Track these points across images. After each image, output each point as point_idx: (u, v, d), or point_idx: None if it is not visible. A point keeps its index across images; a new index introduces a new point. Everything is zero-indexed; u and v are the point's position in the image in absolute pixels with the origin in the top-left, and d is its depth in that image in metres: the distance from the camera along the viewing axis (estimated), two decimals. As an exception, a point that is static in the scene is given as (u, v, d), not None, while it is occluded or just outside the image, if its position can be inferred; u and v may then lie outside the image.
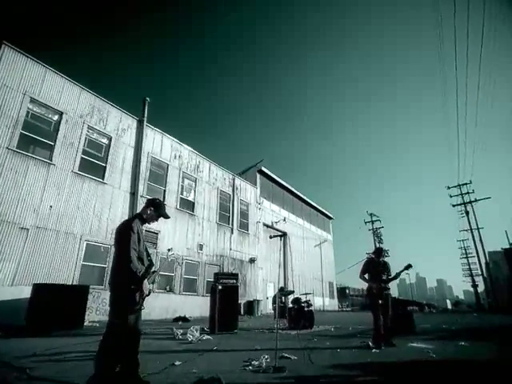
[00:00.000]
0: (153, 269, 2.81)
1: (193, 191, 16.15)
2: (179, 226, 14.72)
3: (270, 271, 21.27)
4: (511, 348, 5.27)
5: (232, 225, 18.26)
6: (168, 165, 14.84)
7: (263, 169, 22.53)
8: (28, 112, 9.80)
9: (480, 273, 32.80)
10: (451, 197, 32.38)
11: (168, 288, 13.43)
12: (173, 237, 14.20)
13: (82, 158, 11.19)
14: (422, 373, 3.43)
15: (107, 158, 12.12)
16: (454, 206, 32.62)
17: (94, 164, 11.73)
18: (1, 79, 9.20)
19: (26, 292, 7.95)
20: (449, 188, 32.44)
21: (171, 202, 14.56)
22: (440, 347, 5.00)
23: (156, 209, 2.91)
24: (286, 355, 4.18)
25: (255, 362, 3.72)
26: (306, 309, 8.66)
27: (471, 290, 43.61)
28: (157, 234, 13.47)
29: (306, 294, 9.51)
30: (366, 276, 5.42)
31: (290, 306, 9.10)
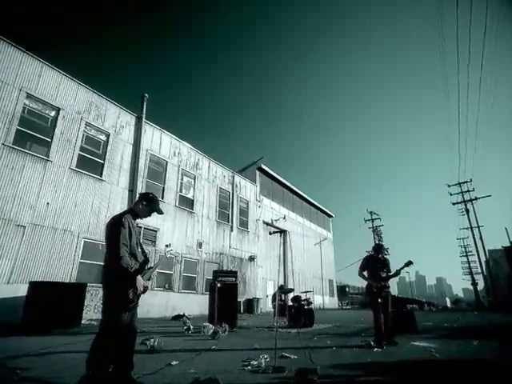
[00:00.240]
0: (148, 265, 2.70)
1: (192, 189, 16.04)
2: (178, 223, 14.61)
3: (269, 269, 21.19)
4: (515, 347, 5.18)
5: (231, 222, 18.15)
6: (167, 162, 14.72)
7: (263, 166, 22.40)
8: (24, 108, 9.66)
9: (480, 271, 32.74)
10: (451, 195, 32.30)
11: (167, 286, 13.34)
12: (172, 234, 14.09)
13: (79, 154, 11.06)
14: (425, 373, 3.32)
15: (105, 155, 11.99)
16: (454, 204, 32.54)
17: (91, 161, 11.60)
18: (-4, 74, 9.08)
19: (22, 290, 7.84)
20: (449, 186, 32.36)
21: (170, 200, 14.44)
22: (443, 346, 4.90)
23: (149, 203, 2.80)
24: (286, 354, 4.08)
25: (254, 362, 3.61)
26: (305, 307, 8.58)
27: (471, 288, 43.64)
28: (156, 231, 13.37)
29: (306, 292, 9.43)
30: (365, 273, 5.31)
31: (290, 304, 9.01)
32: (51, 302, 7.32)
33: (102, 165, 11.81)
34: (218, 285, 7.54)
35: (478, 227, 29.57)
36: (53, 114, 10.47)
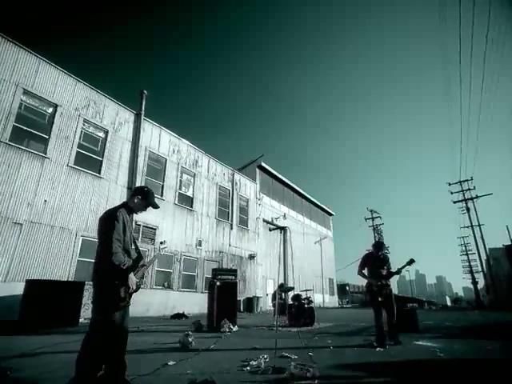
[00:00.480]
0: (142, 262, 2.59)
1: (191, 186, 15.92)
2: (178, 221, 14.50)
3: (269, 267, 21.09)
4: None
5: (231, 221, 18.05)
6: (166, 159, 14.60)
7: (263, 164, 22.28)
8: (21, 104, 9.54)
9: (480, 269, 32.68)
10: (452, 193, 32.20)
11: (166, 284, 13.24)
12: (171, 232, 13.99)
13: (77, 151, 10.94)
14: (432, 374, 3.22)
15: (104, 152, 11.87)
16: (454, 202, 32.45)
17: (90, 158, 11.49)
18: (-8, 70, 8.95)
19: (19, 288, 7.73)
20: (450, 185, 32.26)
21: (169, 198, 14.34)
22: (447, 346, 4.80)
23: (144, 197, 2.69)
24: (286, 354, 3.97)
25: (253, 362, 3.51)
26: (306, 305, 8.47)
27: (471, 286, 43.55)
28: (155, 229, 13.26)
29: (306, 290, 9.32)
30: (365, 272, 5.19)
31: (290, 302, 8.91)
32: (48, 301, 7.23)
33: (101, 162, 11.70)
34: (218, 283, 7.43)
35: (479, 225, 29.49)
36: (50, 110, 10.35)
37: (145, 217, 12.81)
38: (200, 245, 15.45)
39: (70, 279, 9.58)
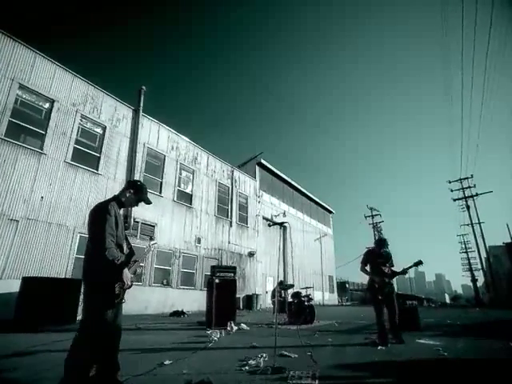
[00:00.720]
0: (134, 258, 2.47)
1: (190, 183, 15.80)
2: (177, 218, 14.39)
3: (269, 265, 21.01)
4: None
5: (231, 218, 17.94)
6: (165, 156, 14.46)
7: (263, 161, 22.13)
8: (17, 99, 9.39)
9: (480, 267, 32.65)
10: (452, 191, 32.09)
11: (165, 282, 13.15)
12: (170, 230, 13.88)
13: (74, 147, 10.80)
14: (435, 374, 3.12)
15: (101, 149, 11.73)
16: (454, 200, 32.35)
17: (87, 154, 11.34)
18: (-13, 64, 8.80)
19: (15, 286, 7.61)
20: (450, 182, 32.13)
21: (168, 194, 14.21)
22: (449, 344, 4.70)
23: (136, 192, 2.57)
24: (286, 353, 3.88)
25: (252, 362, 3.41)
26: (306, 303, 8.38)
27: (470, 284, 43.56)
28: (153, 226, 13.15)
29: (306, 287, 9.23)
30: (368, 268, 5.09)
31: (290, 300, 8.82)
32: (45, 298, 7.13)
33: (99, 158, 11.56)
34: (216, 280, 7.32)
35: (479, 223, 29.40)
36: (47, 105, 10.20)
37: (143, 214, 12.70)
38: (199, 242, 15.35)
39: (67, 276, 9.47)
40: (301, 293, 8.71)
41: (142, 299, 11.87)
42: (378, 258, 5.01)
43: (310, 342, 4.97)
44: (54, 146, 10.16)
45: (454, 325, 8.30)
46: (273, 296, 13.30)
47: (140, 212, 12.55)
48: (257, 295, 17.18)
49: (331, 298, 30.60)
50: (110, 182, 11.71)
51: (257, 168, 21.77)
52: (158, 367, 3.23)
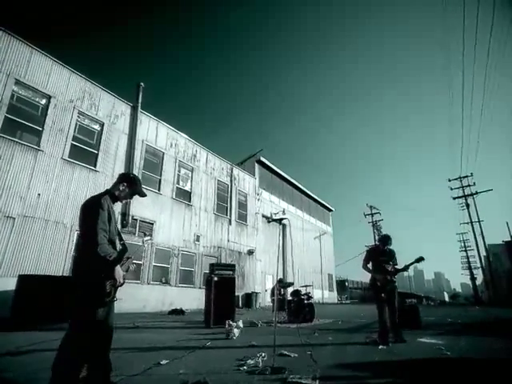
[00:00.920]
0: (127, 254, 2.38)
1: (189, 181, 15.69)
2: (175, 216, 14.30)
3: (268, 263, 20.94)
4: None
5: (230, 216, 17.85)
6: (164, 153, 14.35)
7: (262, 159, 22.02)
8: (13, 95, 9.27)
9: (479, 266, 32.66)
10: (452, 189, 32.03)
11: (164, 280, 13.07)
12: (169, 227, 13.79)
13: (72, 144, 10.70)
14: (439, 375, 3.04)
15: (99, 145, 11.62)
16: (454, 198, 32.27)
17: (85, 151, 11.24)
18: (-17, 59, 8.67)
19: (11, 284, 7.52)
20: (450, 181, 32.06)
21: (167, 192, 14.11)
22: (452, 343, 4.62)
23: (130, 185, 2.47)
24: (286, 352, 3.79)
25: (251, 361, 3.32)
26: (305, 301, 8.30)
27: (468, 282, 43.61)
28: (152, 224, 13.06)
29: (305, 286, 9.15)
30: (370, 266, 5.00)
31: (290, 298, 8.74)
32: (42, 296, 7.02)
33: (96, 155, 11.45)
34: (215, 278, 7.23)
35: (479, 222, 29.35)
36: (43, 101, 10.08)
37: (142, 211, 12.61)
38: (198, 240, 15.27)
39: (64, 274, 9.38)
40: (300, 291, 8.63)
41: (141, 297, 11.80)
42: (381, 255, 4.92)
43: (310, 340, 4.89)
44: (51, 142, 10.05)
45: (455, 323, 8.23)
46: (272, 294, 13.23)
47: (138, 209, 12.46)
48: (256, 293, 17.12)
49: (331, 296, 30.58)
50: (107, 179, 11.59)
51: (256, 166, 21.66)
52: (154, 367, 3.14)
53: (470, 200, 30.73)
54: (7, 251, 8.37)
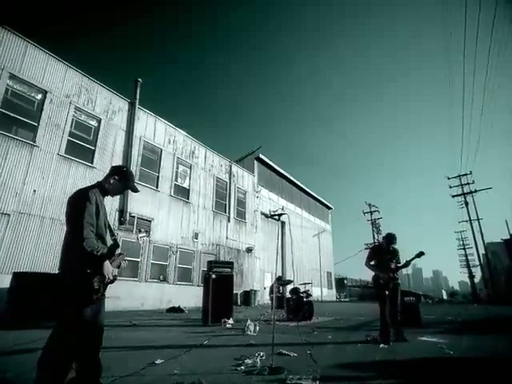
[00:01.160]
0: (118, 251, 2.27)
1: (188, 178, 15.56)
2: (173, 213, 14.17)
3: (267, 261, 20.86)
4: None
5: (229, 213, 17.73)
6: (162, 150, 14.20)
7: (261, 156, 21.89)
8: (7, 89, 9.10)
9: (478, 264, 32.70)
10: (451, 187, 31.98)
11: (162, 277, 12.97)
12: (167, 225, 13.67)
13: (68, 140, 10.54)
14: (444, 375, 2.94)
15: (96, 141, 11.47)
16: (453, 196, 32.24)
17: (82, 147, 11.08)
18: (-24, 52, 8.51)
19: (6, 281, 7.42)
20: (449, 179, 32.03)
21: (165, 189, 13.98)
22: (454, 342, 4.53)
23: (121, 178, 2.35)
24: (284, 352, 3.69)
25: (248, 361, 3.22)
26: (304, 299, 8.22)
27: (467, 281, 43.69)
28: (150, 221, 12.94)
29: (305, 283, 9.07)
30: (373, 263, 4.90)
31: (288, 296, 8.65)
32: (37, 294, 6.92)
33: (93, 151, 11.30)
34: (213, 276, 7.13)
35: (478, 220, 29.33)
36: (39, 96, 9.91)
37: (139, 208, 12.49)
38: (196, 237, 15.16)
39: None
40: (299, 289, 8.55)
41: (138, 295, 11.70)
42: (385, 253, 4.82)
43: (309, 339, 4.79)
44: (47, 138, 9.90)
45: (455, 321, 8.16)
46: (271, 292, 13.15)
47: (136, 207, 12.34)
48: (255, 291, 17.04)
49: (329, 293, 30.57)
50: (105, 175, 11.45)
51: (255, 163, 21.53)
52: (148, 367, 3.03)
53: (469, 198, 30.73)
54: (2, 248, 8.23)
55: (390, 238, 4.87)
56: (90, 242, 1.93)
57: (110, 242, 2.28)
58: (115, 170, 2.37)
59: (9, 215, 8.55)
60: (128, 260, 11.74)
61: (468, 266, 39.03)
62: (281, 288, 9.97)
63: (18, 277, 7.26)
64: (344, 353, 3.88)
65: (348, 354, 3.83)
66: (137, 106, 13.16)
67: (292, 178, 26.43)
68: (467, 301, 33.61)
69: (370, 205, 41.88)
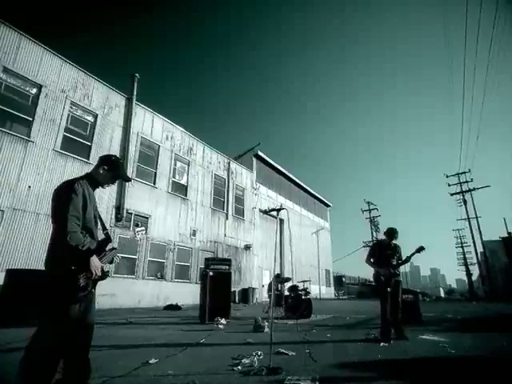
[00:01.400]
0: (110, 246, 2.15)
1: (186, 174, 15.41)
2: (171, 210, 14.05)
3: (265, 258, 20.79)
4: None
5: (227, 210, 17.61)
6: (159, 146, 14.05)
7: (260, 153, 21.75)
8: (1, 83, 8.92)
9: (475, 261, 32.72)
10: (449, 185, 31.93)
11: (159, 275, 12.86)
12: (164, 221, 13.55)
13: (64, 135, 10.38)
14: (447, 375, 2.85)
15: (93, 137, 11.31)
16: (452, 194, 32.21)
17: (78, 143, 10.92)
18: (-31, 45, 8.32)
19: (0, 279, 7.29)
20: (447, 177, 31.96)
21: (163, 185, 13.84)
22: (455, 340, 4.45)
23: (111, 168, 2.22)
24: (283, 350, 3.59)
25: (246, 360, 3.11)
26: (303, 297, 8.13)
27: (464, 278, 43.76)
28: (147, 218, 12.81)
29: (303, 281, 8.98)
30: (373, 260, 4.80)
31: (287, 293, 8.56)
32: (31, 292, 6.79)
33: (90, 147, 11.14)
34: (210, 273, 7.03)
35: (477, 218, 29.35)
36: (34, 91, 9.74)
37: (137, 205, 12.36)
38: (194, 235, 15.04)
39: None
40: (298, 286, 8.46)
41: (135, 292, 11.60)
42: (386, 249, 4.72)
43: (308, 337, 4.70)
44: (42, 133, 9.74)
45: (455, 319, 8.09)
46: (269, 289, 13.06)
47: (133, 203, 12.20)
48: (253, 289, 16.96)
49: (328, 291, 30.57)
50: (101, 171, 11.30)
51: (254, 160, 21.40)
52: (142, 366, 2.92)
53: (467, 196, 30.71)
54: (-4, 245, 8.10)
55: (392, 233, 4.76)
56: (74, 236, 1.81)
57: (102, 236, 2.16)
58: (104, 160, 2.25)
59: (3, 211, 8.41)
60: (125, 257, 11.63)
61: (466, 264, 39.07)
62: (279, 286, 9.87)
63: (12, 274, 7.13)
64: (344, 352, 3.78)
65: (348, 352, 3.73)
66: (134, 101, 12.99)
67: (291, 175, 26.32)
68: (464, 298, 33.67)
69: (368, 203, 41.89)
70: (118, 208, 11.66)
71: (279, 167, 24.45)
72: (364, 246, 39.20)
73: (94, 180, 2.17)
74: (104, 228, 2.21)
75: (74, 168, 10.46)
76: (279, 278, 9.71)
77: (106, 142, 11.78)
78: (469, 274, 37.44)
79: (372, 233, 40.49)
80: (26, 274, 7.46)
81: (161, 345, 4.11)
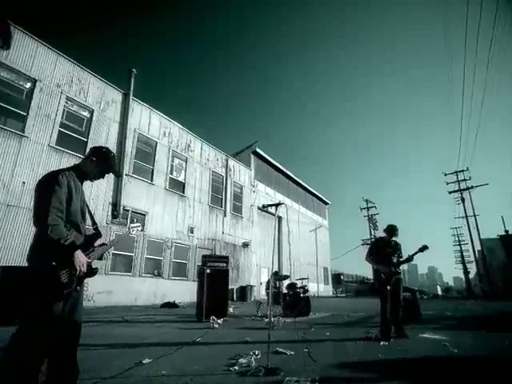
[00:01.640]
0: (99, 241, 2.04)
1: (183, 171, 15.28)
2: (169, 207, 13.92)
3: (263, 256, 20.70)
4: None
5: (225, 208, 17.50)
6: (156, 142, 13.90)
7: (258, 150, 21.61)
8: (-6, 76, 8.76)
9: (473, 260, 32.81)
10: (448, 184, 31.92)
11: (156, 272, 12.75)
12: (162, 219, 13.43)
13: (59, 131, 10.24)
14: (450, 375, 2.76)
15: (89, 133, 11.17)
16: (450, 192, 32.18)
17: (73, 138, 10.77)
18: (-39, 37, 8.14)
19: (-7, 275, 7.15)
20: (445, 175, 31.92)
21: (160, 182, 13.71)
22: (456, 339, 4.36)
23: (99, 160, 2.11)
24: (281, 350, 3.50)
25: (243, 360, 3.02)
26: (301, 294, 8.04)
27: (461, 276, 43.92)
28: (144, 215, 12.68)
29: (301, 278, 8.89)
30: (373, 258, 4.71)
31: (285, 291, 8.48)
32: (25, 289, 6.68)
33: (86, 143, 10.99)
34: (208, 270, 6.92)
35: (475, 216, 29.37)
36: (28, 85, 9.57)
37: (133, 202, 12.23)
38: (192, 232, 14.93)
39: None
40: (296, 284, 8.37)
41: (132, 290, 11.49)
42: (387, 247, 4.62)
43: (307, 336, 4.60)
44: (37, 128, 9.58)
45: (455, 317, 8.04)
46: (267, 287, 12.98)
47: (130, 200, 12.07)
48: (251, 286, 16.89)
49: (326, 289, 30.56)
50: (97, 168, 11.16)
51: (252, 157, 21.27)
52: (135, 366, 2.82)
53: (465, 194, 30.70)
54: (-11, 241, 7.96)
55: (393, 231, 4.66)
56: (56, 229, 1.69)
57: (92, 230, 2.05)
58: (93, 151, 2.13)
59: (-4, 207, 8.27)
60: (121, 254, 11.52)
61: (463, 262, 39.15)
62: (277, 283, 9.79)
63: (6, 271, 7.00)
64: (343, 351, 3.69)
65: (348, 352, 3.64)
66: (131, 97, 12.83)
67: (289, 173, 26.21)
68: (462, 296, 33.77)
69: (367, 201, 41.82)
70: (115, 205, 11.53)
71: (278, 165, 24.34)
72: (362, 244, 39.22)
73: (81, 172, 2.06)
74: (94, 223, 2.10)
75: (70, 164, 10.23)
76: (277, 276, 9.62)
77: (103, 138, 11.63)
78: (466, 272, 37.55)
79: (370, 231, 40.45)
80: (20, 271, 7.34)
81: (156, 344, 4.01)
